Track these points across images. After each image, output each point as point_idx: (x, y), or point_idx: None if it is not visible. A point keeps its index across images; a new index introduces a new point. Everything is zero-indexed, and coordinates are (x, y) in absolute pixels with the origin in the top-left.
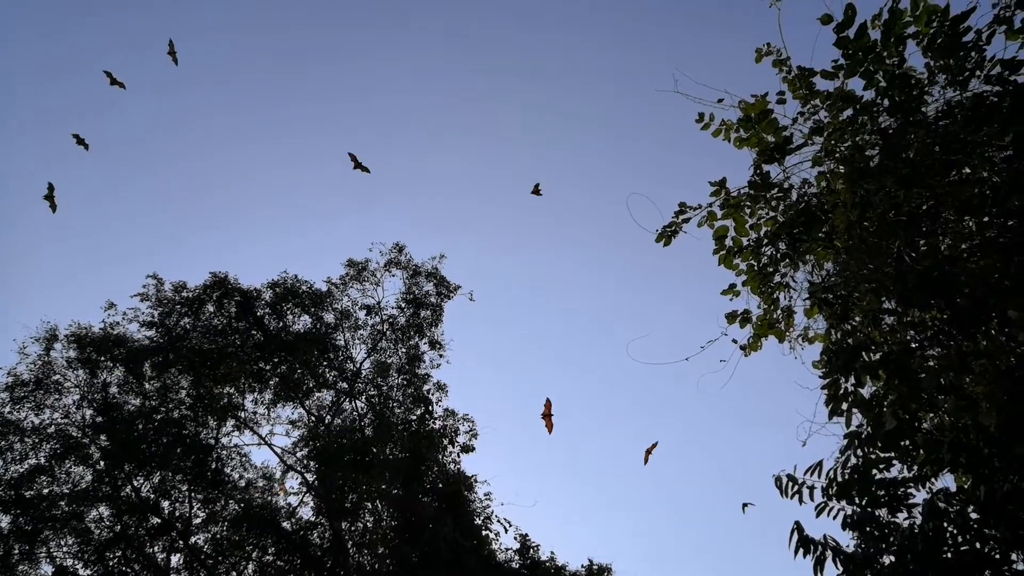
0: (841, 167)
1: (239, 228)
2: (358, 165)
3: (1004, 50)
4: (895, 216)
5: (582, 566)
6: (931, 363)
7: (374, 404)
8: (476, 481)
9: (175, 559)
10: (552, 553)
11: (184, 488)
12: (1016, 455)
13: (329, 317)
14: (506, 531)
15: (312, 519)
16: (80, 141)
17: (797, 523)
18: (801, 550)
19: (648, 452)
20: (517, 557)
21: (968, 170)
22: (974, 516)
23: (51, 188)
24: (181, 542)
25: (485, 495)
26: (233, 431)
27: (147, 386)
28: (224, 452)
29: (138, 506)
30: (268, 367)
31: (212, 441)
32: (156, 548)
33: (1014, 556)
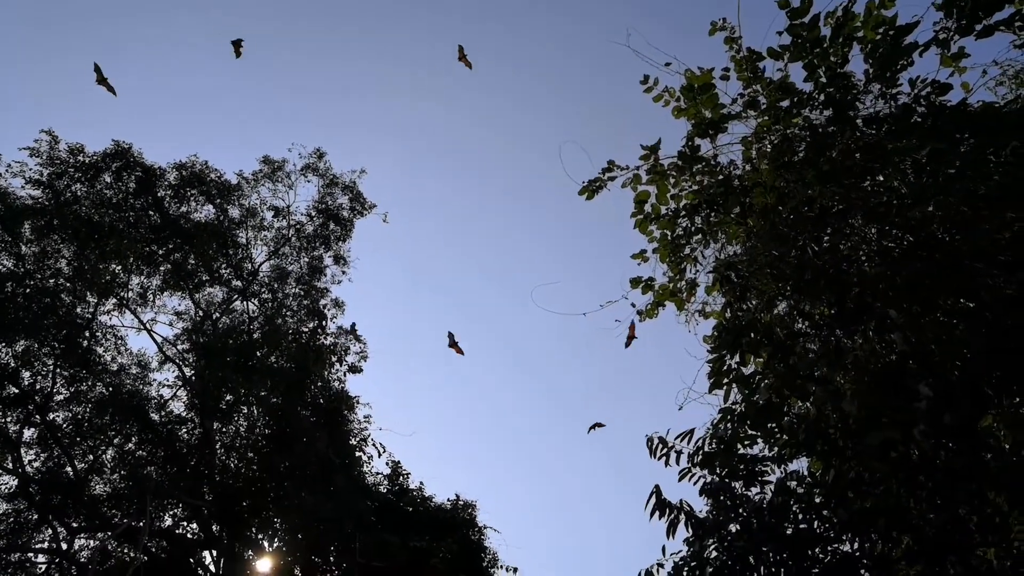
0: (769, 148)
1: (151, 98)
2: (102, 80)
3: (937, 71)
4: (807, 211)
5: (448, 500)
6: (811, 354)
7: (267, 309)
8: (358, 403)
9: (28, 433)
10: (421, 483)
11: (49, 362)
12: (867, 444)
13: (234, 212)
14: (379, 455)
15: (183, 414)
16: (102, 80)
17: (656, 487)
18: (657, 512)
19: (453, 345)
20: (386, 482)
21: (882, 178)
22: (818, 499)
23: (98, 69)
24: (37, 416)
25: (365, 418)
26: (113, 311)
27: (24, 248)
28: (99, 331)
29: None
30: (161, 251)
31: (88, 317)
32: (9, 419)
33: (845, 537)
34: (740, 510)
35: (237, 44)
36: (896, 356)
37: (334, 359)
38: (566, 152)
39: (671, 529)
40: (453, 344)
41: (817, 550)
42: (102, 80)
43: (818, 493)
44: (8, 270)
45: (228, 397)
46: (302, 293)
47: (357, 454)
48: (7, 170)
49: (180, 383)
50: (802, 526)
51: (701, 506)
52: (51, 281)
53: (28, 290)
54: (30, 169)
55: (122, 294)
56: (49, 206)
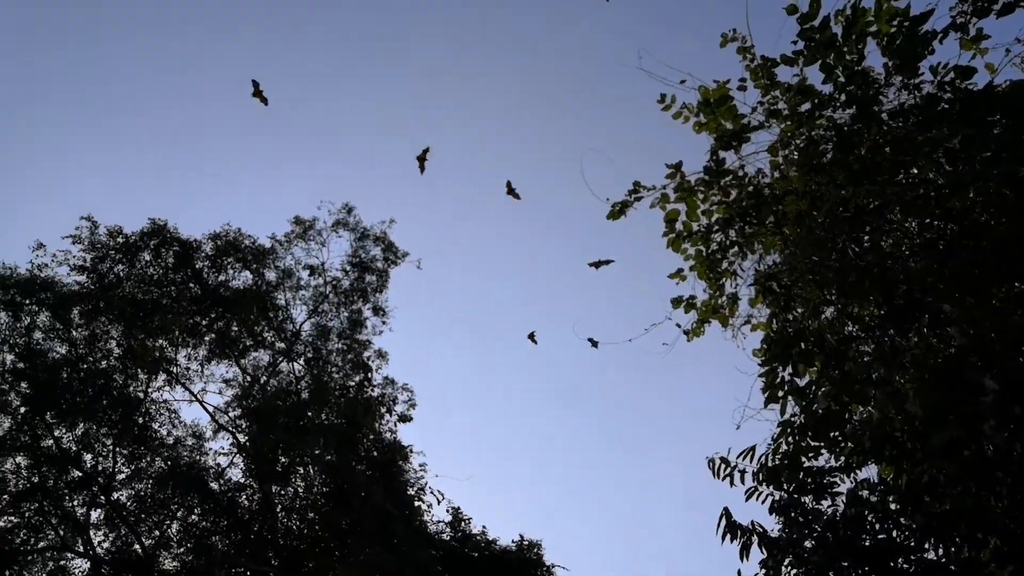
0: (796, 154)
1: (183, 177)
2: (258, 93)
3: (959, 56)
4: (843, 212)
5: (512, 541)
6: (865, 357)
7: (312, 367)
8: (411, 451)
9: (95, 514)
10: (484, 527)
11: (108, 442)
12: (935, 445)
13: (271, 275)
14: (439, 503)
15: (241, 481)
16: (258, 92)
17: (725, 509)
18: (728, 535)
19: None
20: (448, 529)
21: (915, 171)
22: (893, 506)
23: (256, 84)
24: (103, 497)
25: (420, 466)
26: (164, 386)
27: (74, 333)
28: (153, 407)
29: (58, 458)
30: (204, 322)
31: (141, 395)
32: (76, 502)
33: (927, 545)
34: (813, 525)
35: (423, 157)
36: (955, 350)
37: (383, 410)
38: (589, 174)
39: (744, 551)
40: (511, 191)
41: (900, 560)
42: (257, 93)
43: (892, 500)
44: (62, 356)
45: (283, 459)
46: (345, 348)
47: (416, 503)
48: (53, 259)
49: (235, 450)
50: (880, 536)
51: (772, 525)
52: (103, 363)
53: (82, 374)
54: (74, 256)
55: (171, 369)
56: (95, 290)
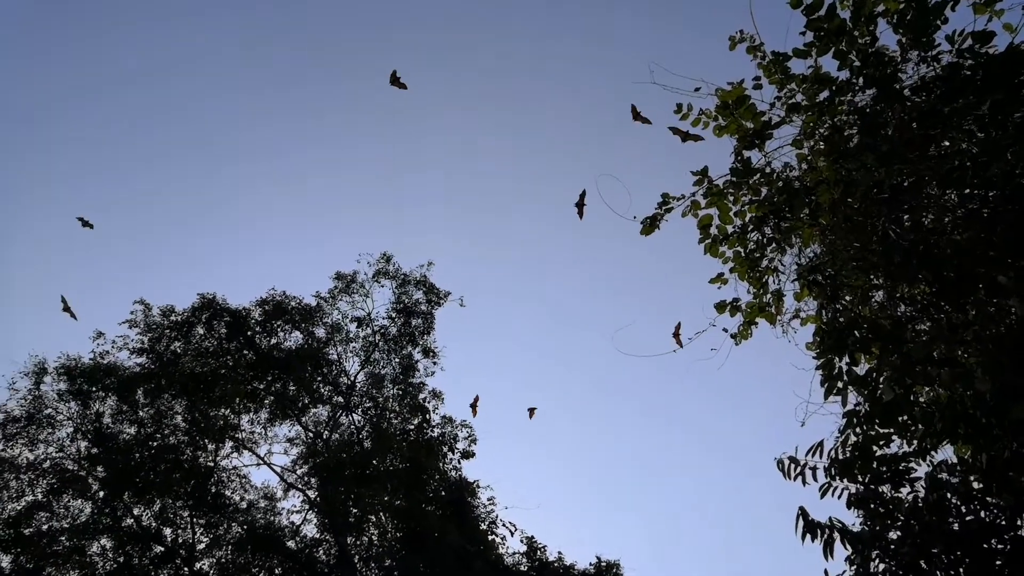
0: (821, 143)
1: (224, 248)
2: (395, 80)
3: (974, 22)
4: (877, 194)
5: (590, 564)
6: (923, 337)
7: (371, 416)
8: (478, 487)
9: None
10: (560, 553)
11: (185, 514)
12: (1013, 420)
13: (320, 332)
14: (512, 534)
15: (316, 536)
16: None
17: (802, 508)
18: (808, 535)
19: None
20: (525, 560)
21: (947, 143)
22: (977, 485)
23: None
24: (186, 569)
25: (488, 500)
26: (231, 453)
27: (141, 413)
28: (223, 475)
29: (140, 536)
30: (262, 386)
31: (210, 465)
32: None
33: (1019, 522)
34: (896, 515)
35: (580, 203)
36: (1016, 320)
37: (445, 449)
38: (607, 188)
39: (828, 549)
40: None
41: (994, 540)
42: (395, 80)
43: (975, 480)
44: (131, 437)
45: (355, 510)
46: (400, 393)
47: (490, 537)
48: (112, 345)
49: (307, 506)
50: (968, 518)
51: (852, 519)
52: (171, 438)
53: (153, 451)
54: (132, 339)
55: (236, 435)
56: (155, 369)
